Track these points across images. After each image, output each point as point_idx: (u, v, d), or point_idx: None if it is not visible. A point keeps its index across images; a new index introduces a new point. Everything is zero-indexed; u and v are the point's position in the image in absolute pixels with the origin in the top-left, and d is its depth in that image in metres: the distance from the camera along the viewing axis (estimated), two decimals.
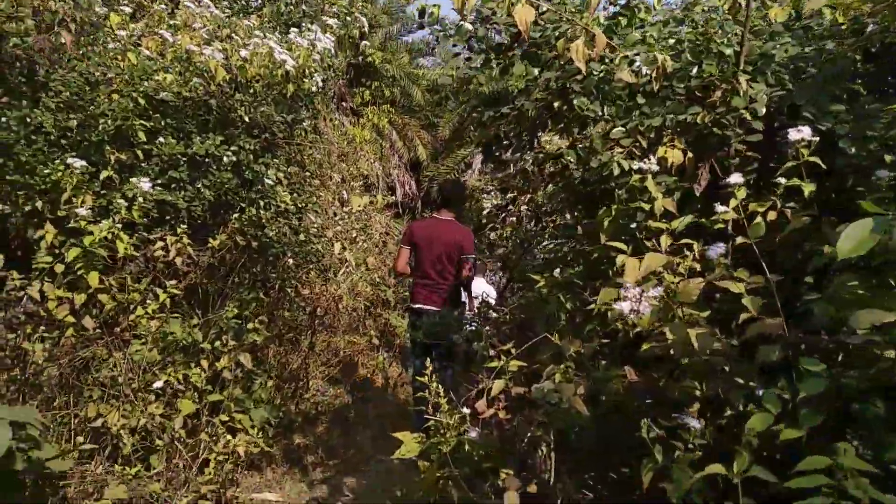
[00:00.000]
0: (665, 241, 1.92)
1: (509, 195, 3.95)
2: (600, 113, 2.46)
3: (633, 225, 2.09)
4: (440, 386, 2.33)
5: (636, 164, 2.03)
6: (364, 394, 6.22)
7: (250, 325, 3.47)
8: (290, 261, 4.05)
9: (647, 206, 1.99)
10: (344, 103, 13.96)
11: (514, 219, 3.85)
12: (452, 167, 14.06)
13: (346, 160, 12.53)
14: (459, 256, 4.37)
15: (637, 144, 2.16)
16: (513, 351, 2.14)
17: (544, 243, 3.99)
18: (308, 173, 4.31)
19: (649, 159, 1.99)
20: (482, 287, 7.48)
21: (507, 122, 3.00)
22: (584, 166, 2.48)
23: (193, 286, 4.02)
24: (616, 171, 2.04)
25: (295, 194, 4.10)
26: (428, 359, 2.65)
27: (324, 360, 5.64)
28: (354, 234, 6.79)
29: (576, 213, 3.38)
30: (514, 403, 2.10)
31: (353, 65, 14.01)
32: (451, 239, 4.33)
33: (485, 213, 11.26)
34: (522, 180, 3.55)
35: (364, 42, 12.95)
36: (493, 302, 6.96)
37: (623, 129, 2.19)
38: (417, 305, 4.40)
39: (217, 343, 3.40)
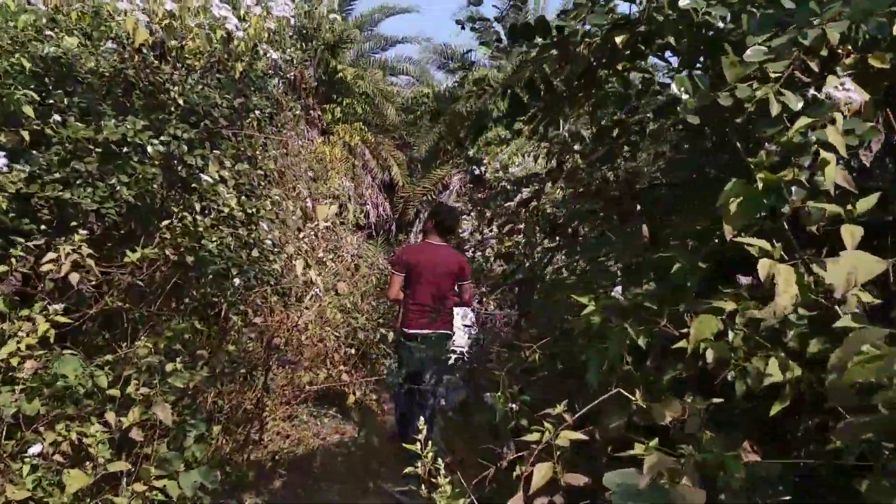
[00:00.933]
0: (852, 234, 1.10)
1: (529, 189, 3.18)
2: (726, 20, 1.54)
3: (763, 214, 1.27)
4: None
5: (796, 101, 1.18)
6: (332, 438, 5.30)
7: (171, 367, 2.57)
8: (237, 281, 3.17)
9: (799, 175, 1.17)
10: (314, 120, 13.16)
11: (529, 225, 3.03)
12: (429, 188, 13.31)
13: (316, 178, 11.72)
14: (457, 283, 4.41)
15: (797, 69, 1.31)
16: (565, 417, 1.31)
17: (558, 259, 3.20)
18: (261, 172, 3.45)
19: (840, 87, 1.14)
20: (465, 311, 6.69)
21: (548, 60, 2.16)
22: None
23: (111, 313, 3.10)
24: (775, 110, 1.21)
25: (244, 197, 3.24)
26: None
27: (284, 400, 4.70)
28: (321, 255, 5.92)
29: (608, 216, 2.58)
30: (569, 499, 1.27)
31: (323, 81, 13.28)
32: (450, 265, 4.33)
33: (464, 235, 10.55)
34: (559, 159, 2.78)
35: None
36: (468, 326, 6.19)
37: (767, 46, 1.34)
38: (413, 331, 4.30)
39: (130, 388, 2.49)
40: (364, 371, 5.82)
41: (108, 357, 2.60)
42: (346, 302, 6.06)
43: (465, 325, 6.71)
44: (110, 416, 2.50)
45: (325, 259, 5.81)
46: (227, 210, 3.10)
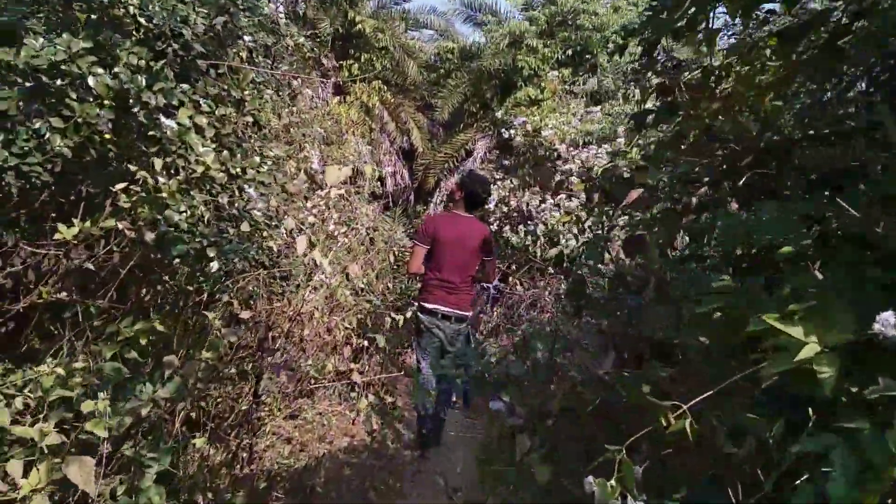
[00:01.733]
0: None
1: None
2: None
3: None
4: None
5: None
6: (339, 442, 4.53)
7: (98, 404, 1.74)
8: (215, 265, 2.33)
9: None
10: (328, 72, 12.19)
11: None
12: (451, 154, 12.35)
13: (330, 142, 10.82)
14: (486, 255, 4.19)
15: None
16: None
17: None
18: (251, 119, 2.57)
19: None
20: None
21: None
22: None
23: (46, 309, 2.29)
24: None
25: (226, 153, 2.37)
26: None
27: (282, 406, 3.92)
28: (332, 228, 5.07)
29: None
30: None
31: (339, 34, 12.26)
32: (478, 239, 4.06)
33: (489, 206, 9.63)
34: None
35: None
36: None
37: None
38: (432, 306, 4.05)
39: (33, 432, 1.67)
40: (379, 364, 5.02)
41: (16, 375, 1.78)
42: (358, 283, 5.22)
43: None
44: (13, 468, 1.69)
45: (336, 233, 4.95)
46: (200, 169, 2.24)
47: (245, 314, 2.69)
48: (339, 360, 4.10)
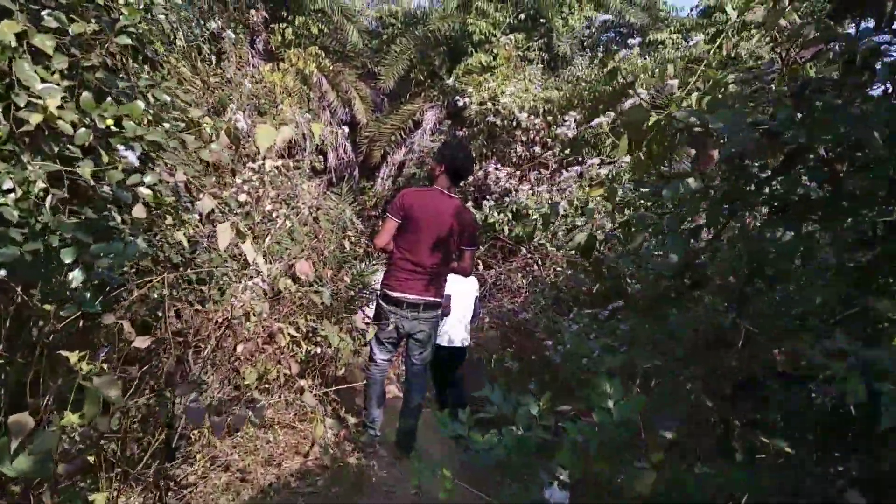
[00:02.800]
0: None
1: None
2: None
3: None
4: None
5: None
6: (290, 464, 3.69)
7: None
8: (76, 275, 1.44)
9: None
10: (258, 42, 10.98)
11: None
12: (398, 126, 11.41)
13: (262, 111, 9.70)
14: (461, 245, 3.72)
15: None
16: None
17: None
18: (129, 42, 1.65)
19: None
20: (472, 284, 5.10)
21: None
22: None
23: None
24: None
25: (86, 93, 1.47)
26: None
27: (206, 442, 3.05)
28: (270, 208, 4.15)
29: None
30: None
31: None
32: (459, 220, 3.59)
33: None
34: None
35: None
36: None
37: None
38: (398, 294, 3.59)
39: None
40: (336, 374, 4.17)
41: None
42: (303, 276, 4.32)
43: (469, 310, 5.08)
44: None
45: (275, 215, 4.05)
46: (36, 119, 1.33)
47: (141, 341, 1.80)
48: (285, 375, 3.24)
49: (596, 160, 2.57)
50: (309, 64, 11.07)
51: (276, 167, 4.20)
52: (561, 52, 10.47)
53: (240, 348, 2.62)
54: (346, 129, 10.08)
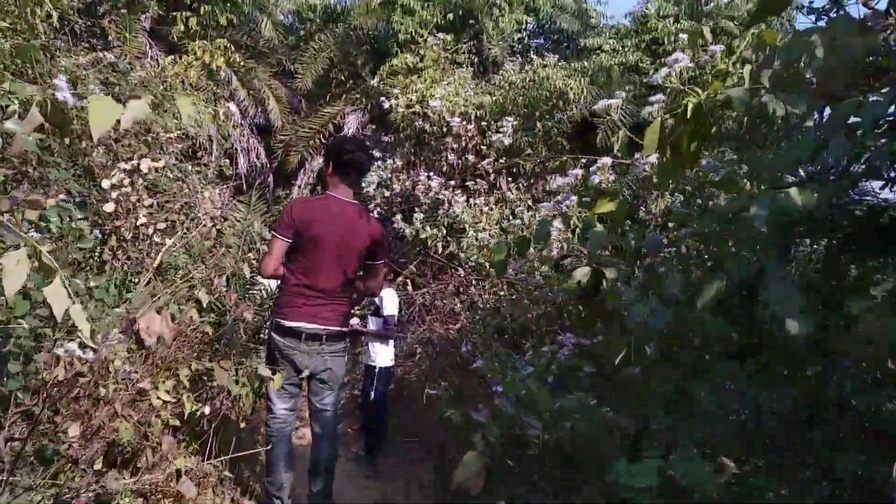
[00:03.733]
0: None
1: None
2: None
3: None
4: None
5: None
6: None
7: None
8: None
9: None
10: (157, 31, 9.80)
11: None
12: (317, 130, 10.51)
13: (160, 108, 8.55)
14: (367, 260, 3.12)
15: None
16: None
17: None
18: None
19: None
20: (392, 302, 4.45)
21: None
22: None
23: None
24: None
25: None
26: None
27: None
28: (143, 221, 3.25)
29: None
30: None
31: None
32: (361, 230, 3.03)
33: (368, 190, 8.02)
34: None
35: None
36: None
37: None
38: (293, 324, 2.97)
39: None
40: (238, 431, 3.28)
41: None
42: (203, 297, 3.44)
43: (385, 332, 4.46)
44: None
45: (151, 230, 3.14)
46: None
47: None
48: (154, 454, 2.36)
49: (607, 160, 1.93)
50: (216, 58, 9.97)
51: (157, 168, 3.30)
52: (492, 55, 9.95)
53: (72, 430, 1.76)
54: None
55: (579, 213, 1.45)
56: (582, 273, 1.46)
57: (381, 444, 4.88)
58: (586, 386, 2.93)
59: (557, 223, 1.40)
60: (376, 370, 4.74)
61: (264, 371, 2.85)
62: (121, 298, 3.56)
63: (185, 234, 5.88)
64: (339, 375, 3.17)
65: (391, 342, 4.83)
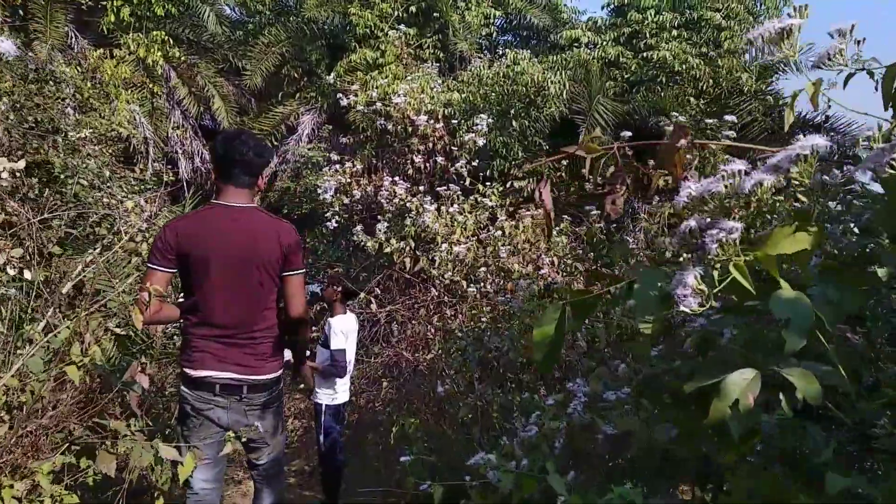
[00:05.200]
0: None
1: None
2: None
3: None
4: None
5: None
6: None
7: None
8: None
9: None
10: (85, 21, 8.75)
11: None
12: (268, 131, 9.60)
13: (87, 108, 7.55)
14: (279, 273, 2.46)
15: None
16: None
17: None
18: None
19: None
20: (348, 327, 3.67)
21: None
22: None
23: None
24: None
25: None
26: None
27: None
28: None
29: None
30: None
31: None
32: (262, 241, 2.43)
33: (326, 196, 7.21)
34: None
35: None
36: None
37: None
38: (202, 373, 2.42)
39: None
40: None
41: None
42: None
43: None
44: None
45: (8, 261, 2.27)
46: None
47: None
48: None
49: (783, 153, 1.20)
50: (153, 52, 8.99)
51: (16, 171, 2.44)
52: (458, 51, 9.24)
53: None
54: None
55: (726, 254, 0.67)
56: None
57: (336, 493, 4.12)
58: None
59: (690, 276, 0.73)
60: (323, 408, 3.99)
61: (168, 451, 2.03)
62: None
63: (102, 251, 4.97)
64: (273, 427, 2.57)
65: (347, 377, 4.07)
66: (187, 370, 2.44)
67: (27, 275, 2.48)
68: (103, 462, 1.96)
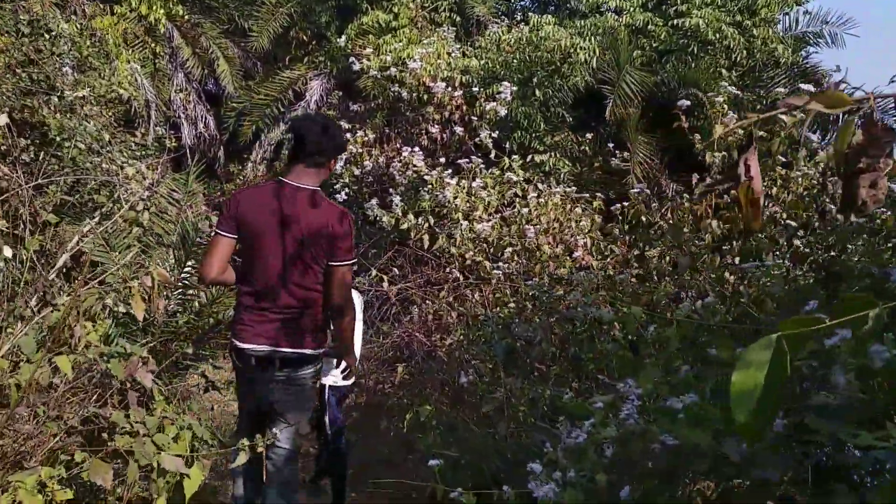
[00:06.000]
0: None
1: None
2: None
3: None
4: None
5: None
6: None
7: None
8: None
9: None
10: None
11: None
12: (275, 97, 9.21)
13: (85, 67, 7.17)
14: (330, 259, 2.50)
15: None
16: None
17: None
18: None
19: None
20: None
21: None
22: None
23: None
24: None
25: None
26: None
27: None
28: None
29: None
30: None
31: None
32: (317, 223, 2.48)
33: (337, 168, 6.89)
34: None
35: None
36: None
37: None
38: (246, 346, 2.53)
39: None
40: None
41: None
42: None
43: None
44: None
45: None
46: None
47: None
48: None
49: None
50: (156, 9, 8.57)
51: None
52: (476, 15, 8.79)
53: None
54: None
55: None
56: None
57: (343, 489, 3.89)
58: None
59: None
60: (327, 390, 3.76)
61: (171, 462, 1.77)
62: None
63: (101, 220, 4.72)
64: (299, 407, 2.63)
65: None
66: (232, 339, 2.59)
67: (6, 252, 2.20)
68: (96, 473, 1.70)
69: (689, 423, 1.78)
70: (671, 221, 3.28)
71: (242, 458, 2.32)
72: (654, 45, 6.92)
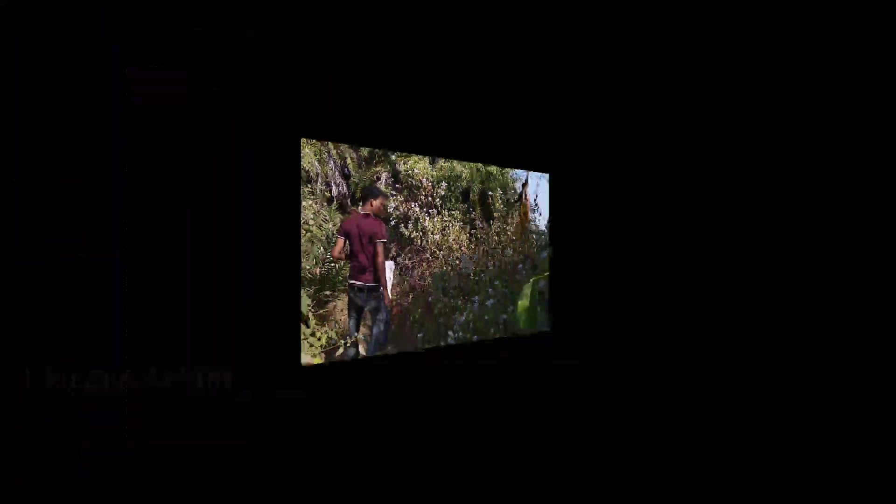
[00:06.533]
0: None
1: None
2: None
3: None
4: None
5: None
6: None
7: None
8: None
9: None
10: None
11: None
12: None
13: None
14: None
15: None
16: None
17: None
18: None
19: None
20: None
21: None
22: None
23: None
24: None
25: None
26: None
27: None
28: None
29: None
30: None
31: None
32: (367, 230, 4.38)
33: None
34: None
35: None
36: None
37: None
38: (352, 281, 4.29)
39: None
40: None
41: None
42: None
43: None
44: None
45: None
46: None
47: None
48: None
49: None
50: None
51: None
52: None
53: None
54: None
55: None
56: None
57: None
58: None
59: None
60: None
61: None
62: None
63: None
64: (376, 309, 4.20)
65: None
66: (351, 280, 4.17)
67: None
68: None
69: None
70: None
71: None
72: None
